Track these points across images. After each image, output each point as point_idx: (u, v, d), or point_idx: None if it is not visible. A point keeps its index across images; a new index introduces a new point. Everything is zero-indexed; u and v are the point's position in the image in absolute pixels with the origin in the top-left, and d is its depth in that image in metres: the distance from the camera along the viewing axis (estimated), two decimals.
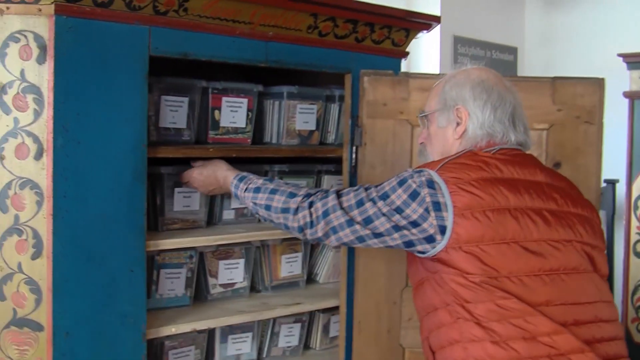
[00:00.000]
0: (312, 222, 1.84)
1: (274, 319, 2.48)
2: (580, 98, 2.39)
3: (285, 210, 1.89)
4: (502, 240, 1.65)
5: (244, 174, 2.09)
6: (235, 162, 2.26)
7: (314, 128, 2.55)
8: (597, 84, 2.40)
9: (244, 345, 2.43)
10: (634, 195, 3.85)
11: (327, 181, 2.66)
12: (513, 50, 5.28)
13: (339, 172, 2.59)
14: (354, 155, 2.40)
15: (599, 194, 2.42)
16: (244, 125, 2.38)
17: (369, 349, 2.41)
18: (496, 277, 1.63)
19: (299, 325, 2.58)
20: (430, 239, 1.68)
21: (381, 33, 2.46)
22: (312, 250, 2.71)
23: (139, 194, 1.97)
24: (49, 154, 1.80)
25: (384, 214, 1.73)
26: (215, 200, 2.42)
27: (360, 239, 1.79)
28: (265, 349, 2.53)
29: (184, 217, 2.31)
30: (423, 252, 1.72)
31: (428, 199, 1.68)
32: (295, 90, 2.47)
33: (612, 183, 4.14)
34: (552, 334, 1.62)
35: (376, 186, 1.81)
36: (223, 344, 2.39)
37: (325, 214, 1.81)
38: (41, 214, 1.82)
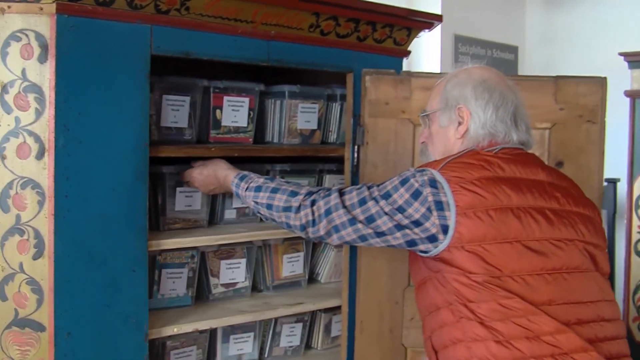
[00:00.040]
0: (314, 220, 1.83)
1: (276, 319, 2.48)
2: (582, 97, 2.38)
3: (287, 209, 1.89)
4: (505, 239, 1.65)
5: (245, 173, 2.09)
6: (237, 162, 2.25)
7: (315, 127, 2.54)
8: (600, 83, 2.39)
9: (246, 345, 2.43)
10: (635, 194, 3.84)
11: (329, 180, 2.65)
12: (514, 49, 5.27)
13: (340, 171, 2.58)
14: (355, 155, 2.39)
15: (601, 193, 2.42)
16: (245, 125, 2.38)
17: (371, 349, 2.40)
18: (499, 276, 1.63)
19: (300, 325, 2.57)
20: (432, 239, 1.68)
21: (383, 32, 2.46)
22: (314, 249, 2.71)
23: (141, 194, 1.96)
24: (51, 154, 1.80)
25: (386, 213, 1.73)
26: (216, 200, 2.41)
27: (363, 238, 1.79)
28: (267, 348, 2.53)
29: (186, 216, 2.31)
30: (425, 252, 1.72)
31: (430, 198, 1.67)
32: (296, 90, 2.46)
33: (613, 182, 4.14)
34: (555, 333, 1.61)
35: (378, 185, 1.80)
36: (225, 344, 2.38)
37: (328, 212, 1.81)
38: (42, 214, 1.81)
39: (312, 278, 2.73)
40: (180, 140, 2.22)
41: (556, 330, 1.61)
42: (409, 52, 2.61)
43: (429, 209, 1.67)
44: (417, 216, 1.68)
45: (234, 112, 2.34)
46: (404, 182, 1.73)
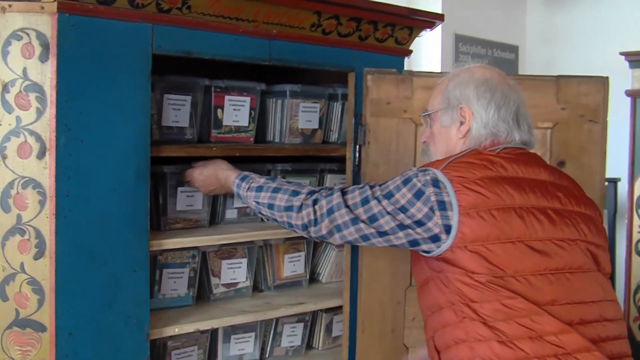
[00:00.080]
0: (316, 219, 1.83)
1: (277, 319, 2.47)
2: (584, 97, 2.38)
3: (288, 209, 1.88)
4: (508, 239, 1.64)
5: (246, 173, 2.08)
6: (238, 161, 2.25)
7: (316, 127, 2.54)
8: (602, 83, 2.39)
9: (247, 345, 2.42)
10: (636, 194, 3.84)
11: (330, 180, 2.65)
12: (514, 49, 5.27)
13: (342, 171, 2.58)
14: (357, 154, 2.39)
15: (603, 192, 2.42)
16: (246, 124, 2.37)
17: (373, 349, 2.40)
18: (502, 276, 1.62)
19: (301, 325, 2.57)
20: (435, 239, 1.67)
21: (384, 31, 2.45)
22: (315, 249, 2.70)
23: (142, 194, 1.96)
24: (52, 153, 1.79)
25: (388, 213, 1.72)
26: (218, 200, 2.40)
27: (365, 238, 1.78)
28: (268, 349, 2.52)
29: (187, 216, 2.30)
30: (428, 252, 1.71)
31: (433, 198, 1.67)
32: (298, 89, 2.46)
33: (613, 182, 4.13)
34: (558, 333, 1.61)
35: (381, 185, 1.80)
36: (226, 344, 2.38)
37: (330, 211, 1.80)
38: (44, 214, 1.81)
39: (313, 278, 2.73)
40: (181, 139, 2.21)
41: (559, 330, 1.61)
42: (410, 52, 2.60)
43: (431, 209, 1.67)
44: (419, 216, 1.68)
45: (235, 112, 2.34)
46: (406, 181, 1.73)
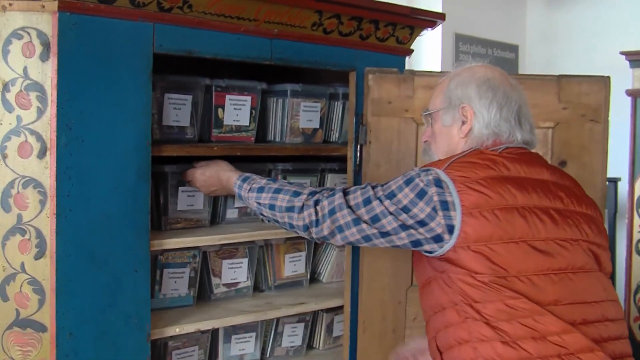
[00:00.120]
0: (317, 220, 1.82)
1: (278, 319, 2.47)
2: (585, 96, 2.37)
3: (289, 209, 1.87)
4: (511, 239, 1.64)
5: (247, 174, 2.07)
6: (239, 161, 2.24)
7: (317, 126, 2.53)
8: (603, 82, 2.38)
9: (248, 345, 2.42)
10: (637, 193, 3.84)
11: (331, 180, 2.64)
12: (514, 48, 5.27)
13: (342, 170, 2.57)
14: (358, 154, 2.38)
15: (605, 192, 2.42)
16: (247, 124, 2.37)
17: (374, 349, 2.39)
18: (505, 276, 1.62)
19: (302, 325, 2.56)
20: (438, 239, 1.66)
21: (386, 30, 2.44)
22: (316, 249, 2.70)
23: (143, 193, 1.95)
24: (52, 153, 1.79)
25: (390, 213, 1.71)
26: (218, 200, 2.40)
27: (367, 238, 1.77)
28: (269, 349, 2.52)
29: (188, 216, 2.29)
30: (431, 252, 1.70)
31: (435, 198, 1.66)
32: (299, 88, 2.45)
33: (614, 181, 4.13)
34: (561, 333, 1.60)
35: (382, 185, 1.79)
36: (226, 344, 2.37)
37: (332, 212, 1.79)
38: (44, 214, 1.80)
39: (313, 278, 2.72)
40: (182, 139, 2.21)
41: (562, 330, 1.60)
42: (411, 51, 2.60)
43: (434, 209, 1.66)
44: (422, 216, 1.67)
45: (236, 111, 2.33)
46: (408, 181, 1.72)
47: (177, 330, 2.11)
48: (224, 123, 2.31)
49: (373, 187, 1.78)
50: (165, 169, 2.21)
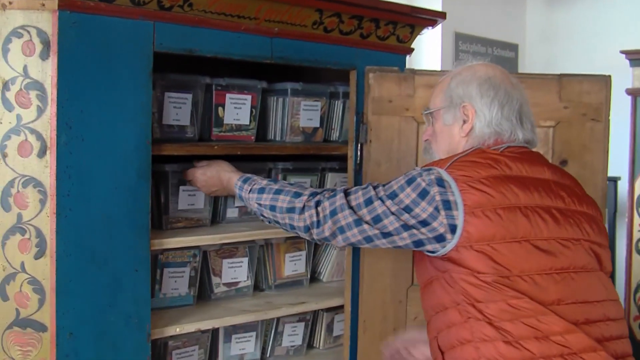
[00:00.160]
0: (318, 221, 1.81)
1: (278, 318, 2.46)
2: (586, 95, 2.37)
3: (290, 210, 1.86)
4: (514, 238, 1.63)
5: (248, 175, 2.06)
6: (239, 159, 2.24)
7: (317, 125, 2.52)
8: (604, 81, 2.38)
9: (248, 344, 2.41)
10: (637, 192, 3.83)
11: (331, 179, 2.64)
12: (514, 47, 5.27)
13: (343, 169, 2.57)
14: (359, 153, 2.38)
15: (605, 191, 2.41)
16: (247, 123, 2.36)
17: (374, 348, 2.39)
18: (508, 276, 1.61)
19: (302, 324, 2.56)
20: (440, 238, 1.66)
21: (386, 29, 2.44)
22: (316, 248, 2.69)
23: (143, 192, 1.94)
24: (53, 152, 1.78)
25: (392, 213, 1.70)
26: (219, 199, 2.39)
27: (368, 239, 1.76)
28: (269, 348, 2.51)
29: (189, 215, 2.29)
30: (433, 252, 1.70)
31: (438, 198, 1.65)
32: (299, 87, 2.44)
33: (613, 181, 4.13)
34: (564, 333, 1.60)
35: (384, 185, 1.78)
36: (227, 343, 2.37)
37: (333, 213, 1.78)
38: (44, 213, 1.79)
39: (314, 277, 2.72)
40: (182, 138, 2.20)
41: (565, 330, 1.60)
42: (412, 50, 2.59)
43: (436, 209, 1.65)
44: (424, 216, 1.66)
45: (236, 110, 2.33)
46: (410, 181, 1.71)
47: (177, 329, 2.11)
48: (224, 122, 2.30)
49: (374, 187, 1.77)
50: (166, 168, 2.20)
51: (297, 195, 1.87)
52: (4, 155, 1.78)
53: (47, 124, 1.78)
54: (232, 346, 2.38)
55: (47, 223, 1.79)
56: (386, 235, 1.72)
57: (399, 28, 2.47)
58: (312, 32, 2.27)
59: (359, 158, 2.38)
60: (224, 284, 2.40)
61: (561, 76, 2.37)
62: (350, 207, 1.76)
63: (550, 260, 1.65)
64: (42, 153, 1.78)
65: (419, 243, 1.70)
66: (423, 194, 1.67)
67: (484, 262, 1.61)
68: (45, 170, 1.78)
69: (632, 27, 4.83)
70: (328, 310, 2.59)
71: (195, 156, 2.20)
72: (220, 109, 2.29)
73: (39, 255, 1.80)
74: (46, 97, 1.77)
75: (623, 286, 3.90)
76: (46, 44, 1.77)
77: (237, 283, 2.43)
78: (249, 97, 2.35)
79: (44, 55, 1.77)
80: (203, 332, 2.26)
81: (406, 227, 1.69)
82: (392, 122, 2.35)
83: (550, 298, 1.62)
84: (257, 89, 2.37)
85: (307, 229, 1.83)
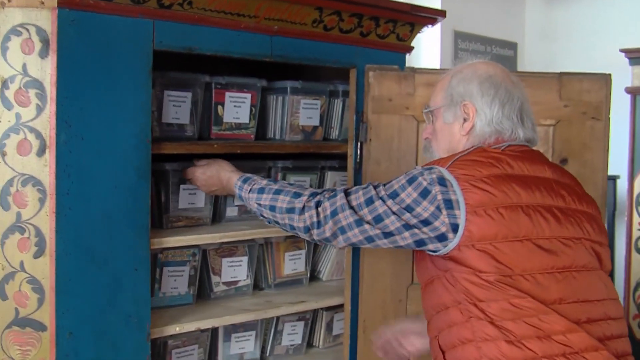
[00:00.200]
0: (319, 222, 1.80)
1: (277, 317, 2.45)
2: (586, 94, 2.36)
3: (290, 210, 1.85)
4: (516, 237, 1.62)
5: (248, 175, 2.05)
6: (238, 158, 2.23)
7: (317, 124, 2.52)
8: (604, 80, 2.38)
9: (247, 343, 2.41)
10: (636, 191, 3.84)
11: (331, 177, 2.63)
12: (513, 46, 5.27)
13: (342, 168, 2.56)
14: (358, 152, 2.37)
15: (606, 190, 2.41)
16: (247, 121, 2.35)
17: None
18: (510, 275, 1.60)
19: (302, 323, 2.55)
20: (442, 238, 1.65)
21: (386, 27, 2.43)
22: (316, 247, 2.69)
23: (143, 191, 1.94)
24: (52, 150, 1.77)
25: (394, 213, 1.69)
26: (220, 197, 2.38)
27: (370, 239, 1.75)
28: (269, 347, 2.51)
29: (189, 214, 2.28)
30: (434, 251, 1.69)
31: (439, 197, 1.65)
32: (299, 86, 2.44)
33: (613, 179, 4.13)
34: (566, 332, 1.59)
35: (385, 184, 1.77)
36: (226, 342, 2.36)
37: (334, 213, 1.77)
38: (44, 212, 1.78)
39: (313, 276, 2.71)
40: (181, 136, 2.19)
41: (567, 329, 1.59)
42: (412, 48, 2.58)
43: (438, 208, 1.64)
44: (426, 215, 1.65)
45: (236, 109, 2.32)
46: (411, 180, 1.70)
47: (177, 329, 2.10)
48: (224, 120, 2.30)
49: (375, 187, 1.77)
50: (166, 166, 2.19)
51: (297, 195, 1.86)
52: (3, 154, 1.77)
53: (47, 123, 1.77)
54: (231, 345, 2.37)
55: (46, 222, 1.78)
56: (387, 235, 1.72)
57: (398, 26, 2.46)
58: (312, 30, 2.26)
59: (358, 157, 2.38)
60: (224, 283, 2.39)
61: (561, 75, 2.37)
62: (351, 207, 1.76)
63: (552, 259, 1.65)
64: (41, 152, 1.77)
65: (420, 243, 1.69)
66: (424, 193, 1.66)
67: (486, 261, 1.60)
68: (44, 169, 1.78)
69: (631, 25, 4.83)
70: (328, 309, 2.59)
71: (195, 155, 2.19)
72: (219, 107, 2.28)
73: (38, 254, 1.79)
74: (45, 95, 1.76)
75: (622, 285, 3.90)
76: (45, 42, 1.76)
77: (236, 282, 2.42)
78: (248, 95, 2.34)
79: (43, 54, 1.76)
80: (202, 331, 2.25)
81: (407, 226, 1.68)
82: (392, 121, 2.35)
83: (552, 297, 1.62)
84: (257, 87, 2.36)
85: (307, 229, 1.83)
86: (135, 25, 1.89)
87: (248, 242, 2.42)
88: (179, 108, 2.17)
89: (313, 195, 1.85)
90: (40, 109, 1.77)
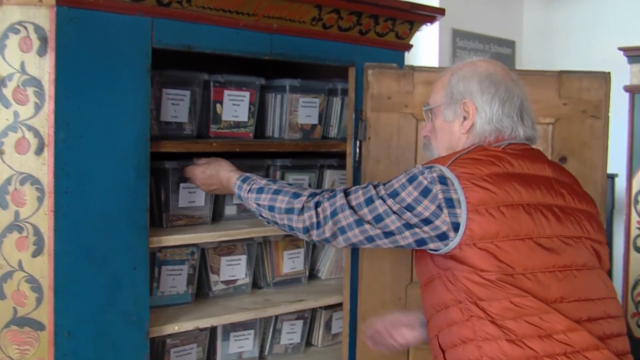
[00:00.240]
0: (319, 222, 1.78)
1: (276, 316, 2.45)
2: (586, 92, 2.36)
3: (289, 211, 1.84)
4: (517, 236, 1.62)
5: (248, 174, 2.04)
6: (237, 156, 2.22)
7: (316, 122, 2.51)
8: (603, 78, 2.37)
9: (246, 342, 2.40)
10: (634, 189, 3.84)
11: (330, 176, 2.62)
12: (511, 44, 5.27)
13: (341, 166, 2.56)
14: (357, 150, 2.37)
15: (605, 188, 2.40)
16: (246, 119, 2.34)
17: None
18: (512, 274, 1.60)
19: (301, 322, 2.55)
20: (443, 237, 1.64)
21: (385, 25, 2.43)
22: (314, 246, 2.68)
23: (142, 190, 1.93)
24: (50, 149, 1.76)
25: (394, 212, 1.68)
26: (220, 196, 2.37)
27: (370, 239, 1.74)
28: (267, 346, 2.50)
29: (189, 213, 2.27)
30: (435, 250, 1.68)
31: (440, 196, 1.64)
32: (297, 84, 2.43)
33: (611, 177, 4.13)
34: (567, 331, 1.59)
35: (385, 184, 1.76)
36: (225, 341, 2.36)
37: (334, 213, 1.76)
38: (42, 210, 1.78)
39: (312, 274, 2.71)
40: (180, 135, 2.18)
41: (568, 328, 1.59)
42: (410, 46, 2.58)
43: (439, 207, 1.63)
44: (426, 214, 1.65)
45: (235, 107, 2.31)
46: (412, 179, 1.69)
47: (176, 328, 2.10)
48: (223, 119, 2.29)
49: (375, 186, 1.76)
50: (166, 165, 2.18)
51: (296, 196, 1.85)
52: (1, 153, 1.77)
53: (45, 121, 1.76)
54: (230, 344, 2.36)
55: (44, 221, 1.77)
56: (388, 234, 1.71)
57: (397, 24, 2.46)
58: (311, 28, 2.26)
59: (357, 155, 2.37)
60: (222, 282, 2.39)
61: (561, 73, 2.36)
62: (351, 207, 1.74)
63: (553, 258, 1.64)
64: (39, 150, 1.77)
65: (421, 242, 1.68)
66: (425, 192, 1.66)
67: (488, 260, 1.60)
68: (42, 167, 1.77)
69: (629, 24, 4.83)
70: (327, 308, 2.59)
71: (194, 153, 2.18)
72: (218, 105, 2.27)
73: (36, 253, 1.78)
74: (44, 93, 1.76)
75: (620, 283, 3.91)
76: (43, 40, 1.75)
77: (235, 281, 2.42)
78: (247, 93, 2.33)
79: (42, 52, 1.75)
80: (201, 330, 2.25)
81: (408, 226, 1.67)
82: (391, 119, 2.34)
83: (553, 296, 1.61)
84: (256, 85, 2.35)
85: (307, 230, 1.81)
86: (134, 23, 1.88)
87: (247, 240, 2.41)
88: (177, 106, 2.16)
89: (312, 195, 1.83)
90: (38, 107, 1.76)
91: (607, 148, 2.39)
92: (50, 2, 1.74)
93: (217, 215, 2.40)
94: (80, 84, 1.79)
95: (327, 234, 1.78)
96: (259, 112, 2.40)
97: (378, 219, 1.71)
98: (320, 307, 2.57)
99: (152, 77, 1.96)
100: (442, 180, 1.65)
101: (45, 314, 1.79)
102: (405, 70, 2.35)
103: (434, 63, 4.61)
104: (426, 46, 4.61)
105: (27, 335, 1.80)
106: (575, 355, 1.56)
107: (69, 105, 1.77)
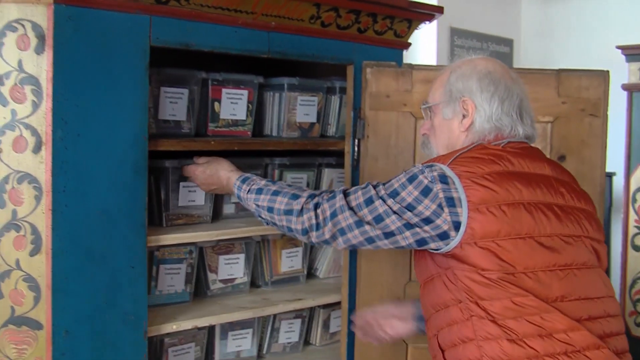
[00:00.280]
0: (318, 224, 1.77)
1: (274, 315, 2.44)
2: (585, 90, 2.36)
3: (288, 212, 1.83)
4: (518, 235, 1.61)
5: (247, 175, 2.03)
6: (235, 155, 2.22)
7: (314, 120, 2.51)
8: (602, 77, 2.37)
9: (244, 341, 2.40)
10: (632, 188, 3.84)
11: (328, 174, 2.62)
12: (509, 42, 5.27)
13: (340, 165, 2.55)
14: (356, 148, 2.36)
15: (604, 187, 2.40)
16: (244, 118, 2.34)
17: (371, 345, 2.36)
18: (513, 272, 1.59)
19: (299, 321, 2.54)
20: (443, 236, 1.63)
21: (383, 24, 2.42)
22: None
23: (140, 188, 1.92)
24: (48, 147, 1.75)
25: (394, 212, 1.67)
26: (218, 195, 2.36)
27: (370, 240, 1.73)
28: (266, 345, 2.50)
29: (189, 212, 2.27)
30: (436, 249, 1.68)
31: (441, 195, 1.63)
32: (296, 82, 2.42)
33: (609, 176, 4.13)
34: (568, 330, 1.58)
35: (384, 183, 1.74)
36: (223, 340, 2.35)
37: (333, 215, 1.75)
38: (40, 209, 1.77)
39: (310, 273, 2.70)
40: (178, 133, 2.18)
41: (569, 327, 1.58)
42: (409, 44, 2.58)
43: (440, 206, 1.62)
44: (427, 213, 1.64)
45: (233, 105, 2.30)
46: (412, 179, 1.68)
47: (175, 327, 2.09)
48: (221, 117, 2.28)
49: (374, 187, 1.75)
50: (165, 163, 2.18)
51: (295, 197, 1.84)
52: None
53: (43, 119, 1.75)
54: (228, 343, 2.36)
55: (42, 219, 1.77)
56: (388, 235, 1.70)
57: (396, 22, 2.45)
58: (310, 26, 2.25)
59: (356, 153, 2.37)
60: (220, 281, 2.38)
61: (559, 71, 2.36)
62: (351, 208, 1.73)
63: (554, 256, 1.64)
64: (37, 148, 1.76)
65: (422, 242, 1.67)
66: (426, 191, 1.65)
67: (489, 259, 1.59)
68: (40, 166, 1.76)
69: (628, 22, 4.83)
70: (325, 306, 2.58)
71: (192, 152, 2.17)
72: (216, 104, 2.27)
73: (34, 252, 1.77)
74: (41, 92, 1.75)
75: (618, 282, 3.91)
76: (41, 38, 1.74)
77: (233, 279, 2.41)
78: (245, 92, 2.33)
79: (39, 50, 1.74)
80: (199, 329, 2.24)
81: (409, 225, 1.66)
82: (390, 118, 2.34)
83: (553, 295, 1.61)
84: (254, 83, 2.35)
85: (306, 231, 1.80)
86: (132, 21, 1.87)
87: (245, 239, 2.40)
88: (175, 104, 2.16)
89: (311, 196, 1.82)
90: (36, 106, 1.75)
91: (605, 147, 2.38)
92: (48, 0, 1.73)
93: (215, 214, 2.39)
94: (78, 82, 1.78)
95: (327, 236, 1.77)
96: (257, 111, 2.40)
97: (378, 219, 1.70)
98: (318, 306, 2.56)
99: (150, 75, 1.95)
100: (443, 179, 1.64)
101: (43, 313, 1.78)
102: (404, 68, 2.35)
103: (432, 61, 4.61)
104: (424, 44, 4.61)
105: (24, 335, 1.79)
106: (576, 354, 1.56)
107: (67, 104, 1.77)
